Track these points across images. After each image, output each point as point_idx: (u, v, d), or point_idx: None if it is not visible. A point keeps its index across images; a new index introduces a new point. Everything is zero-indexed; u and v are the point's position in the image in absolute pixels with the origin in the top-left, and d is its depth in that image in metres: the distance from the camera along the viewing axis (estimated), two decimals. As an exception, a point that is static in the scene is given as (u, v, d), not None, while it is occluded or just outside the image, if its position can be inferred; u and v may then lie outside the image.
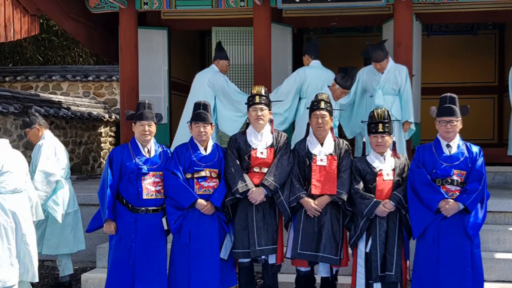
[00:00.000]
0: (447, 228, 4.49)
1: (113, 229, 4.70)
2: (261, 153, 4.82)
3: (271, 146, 4.88)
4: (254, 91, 4.95)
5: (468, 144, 4.64)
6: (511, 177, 7.63)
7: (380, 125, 4.69)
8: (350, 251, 4.87)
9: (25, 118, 5.87)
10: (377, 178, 4.67)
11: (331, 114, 4.89)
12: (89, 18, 8.58)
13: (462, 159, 4.55)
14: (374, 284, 4.61)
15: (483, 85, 7.62)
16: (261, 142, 4.87)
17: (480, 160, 4.55)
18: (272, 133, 4.94)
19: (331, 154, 4.80)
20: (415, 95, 7.39)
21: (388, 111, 4.81)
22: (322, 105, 4.83)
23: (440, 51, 10.47)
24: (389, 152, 4.78)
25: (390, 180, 4.68)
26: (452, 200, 4.46)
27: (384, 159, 4.74)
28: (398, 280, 4.57)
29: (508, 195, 6.60)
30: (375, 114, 4.77)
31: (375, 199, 4.61)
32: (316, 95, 4.99)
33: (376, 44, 6.55)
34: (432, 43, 10.25)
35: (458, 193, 4.49)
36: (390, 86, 6.46)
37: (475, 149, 4.59)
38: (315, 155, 4.79)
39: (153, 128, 4.81)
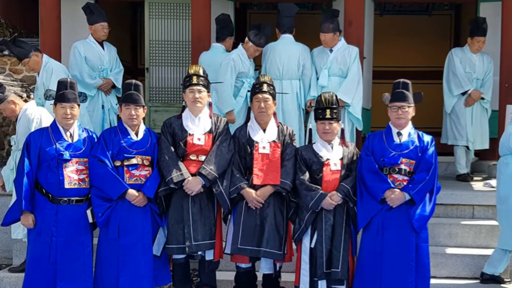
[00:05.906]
0: (391, 219, 4.62)
1: (31, 222, 4.61)
2: (198, 139, 4.80)
3: (209, 131, 4.87)
4: (192, 71, 4.92)
5: (420, 133, 4.78)
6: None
7: (328, 111, 4.76)
8: (294, 246, 4.93)
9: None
10: (324, 168, 4.73)
11: (274, 97, 4.95)
12: (6, -15, 8.42)
13: (412, 147, 4.69)
14: (319, 282, 4.67)
15: (438, 69, 7.71)
16: (198, 127, 4.85)
17: (431, 150, 4.69)
18: (210, 117, 4.96)
19: (274, 141, 4.86)
20: (366, 79, 7.40)
21: (336, 96, 4.89)
22: (265, 88, 4.88)
23: (393, 32, 10.53)
24: (337, 140, 4.84)
25: (338, 170, 4.76)
26: (398, 190, 4.60)
27: (332, 147, 4.80)
28: (345, 277, 4.65)
29: (461, 187, 6.74)
30: (322, 99, 4.84)
31: (321, 191, 4.67)
32: (258, 77, 5.06)
33: (328, 12, 6.60)
34: (385, 23, 10.26)
35: (406, 183, 4.64)
36: (338, 67, 6.49)
37: (427, 138, 4.74)
38: (257, 142, 4.84)
39: (76, 111, 4.73)
